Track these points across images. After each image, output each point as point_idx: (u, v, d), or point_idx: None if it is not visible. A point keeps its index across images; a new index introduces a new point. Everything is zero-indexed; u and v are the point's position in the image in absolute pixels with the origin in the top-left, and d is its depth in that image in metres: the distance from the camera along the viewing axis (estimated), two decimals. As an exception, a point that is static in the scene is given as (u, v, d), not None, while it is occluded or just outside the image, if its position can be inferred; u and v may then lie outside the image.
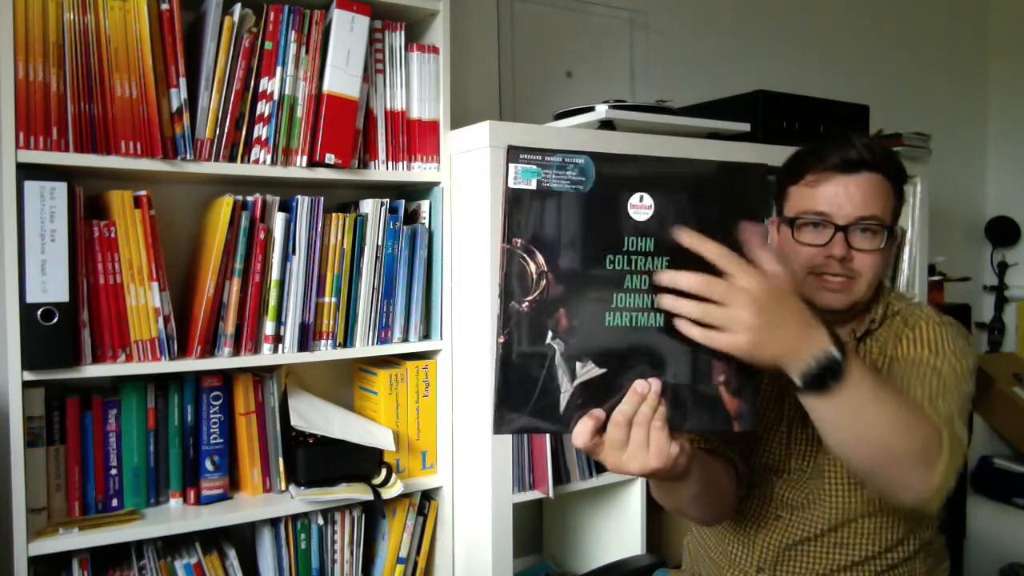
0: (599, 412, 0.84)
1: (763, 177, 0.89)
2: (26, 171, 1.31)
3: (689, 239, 0.83)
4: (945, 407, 1.04)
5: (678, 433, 0.85)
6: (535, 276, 0.83)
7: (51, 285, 1.33)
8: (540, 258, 0.83)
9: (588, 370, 0.84)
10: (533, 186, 0.83)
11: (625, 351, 0.85)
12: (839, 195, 1.13)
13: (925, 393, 1.06)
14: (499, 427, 0.84)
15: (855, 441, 0.92)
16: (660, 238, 0.85)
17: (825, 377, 0.86)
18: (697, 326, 0.82)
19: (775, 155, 1.94)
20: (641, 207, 0.85)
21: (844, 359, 0.86)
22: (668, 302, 0.83)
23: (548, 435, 1.64)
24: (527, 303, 0.83)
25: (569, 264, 0.84)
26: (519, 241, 0.83)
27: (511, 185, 0.83)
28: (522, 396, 0.83)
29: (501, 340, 0.83)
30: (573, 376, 0.84)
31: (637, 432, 0.83)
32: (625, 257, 0.84)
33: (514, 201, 0.83)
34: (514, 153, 0.83)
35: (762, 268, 0.83)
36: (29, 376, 1.33)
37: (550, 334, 0.83)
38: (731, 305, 0.81)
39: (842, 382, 0.86)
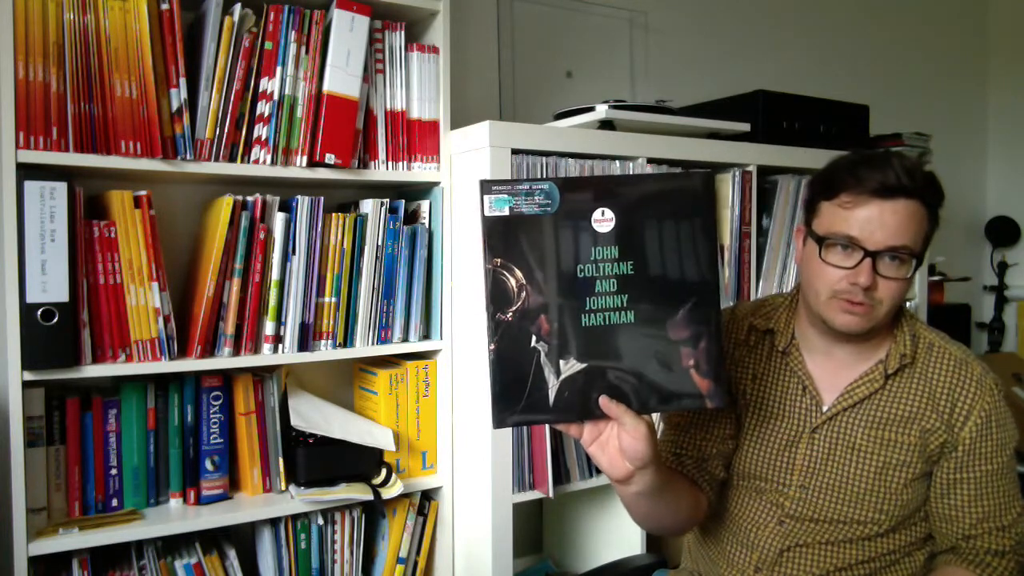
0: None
1: (707, 181, 0.99)
2: (26, 171, 1.31)
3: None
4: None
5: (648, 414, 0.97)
6: (516, 289, 0.94)
7: (51, 285, 1.33)
8: (519, 273, 0.94)
9: (571, 366, 0.95)
10: (506, 212, 0.94)
11: (603, 346, 0.96)
12: (873, 221, 1.09)
13: (1011, 502, 1.18)
14: (498, 422, 0.96)
15: None
16: (623, 246, 0.95)
17: None
18: None
19: (774, 155, 1.96)
20: (603, 220, 0.95)
21: None
22: None
23: (545, 424, 1.67)
24: (511, 313, 0.94)
25: (545, 276, 0.95)
26: (499, 260, 0.94)
27: (487, 213, 0.94)
28: (515, 394, 0.95)
29: (492, 347, 0.95)
30: (558, 373, 0.95)
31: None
32: (594, 265, 0.95)
33: (490, 227, 0.94)
34: (486, 186, 0.94)
35: None
36: (29, 376, 1.33)
37: (534, 338, 0.95)
38: None
39: None
